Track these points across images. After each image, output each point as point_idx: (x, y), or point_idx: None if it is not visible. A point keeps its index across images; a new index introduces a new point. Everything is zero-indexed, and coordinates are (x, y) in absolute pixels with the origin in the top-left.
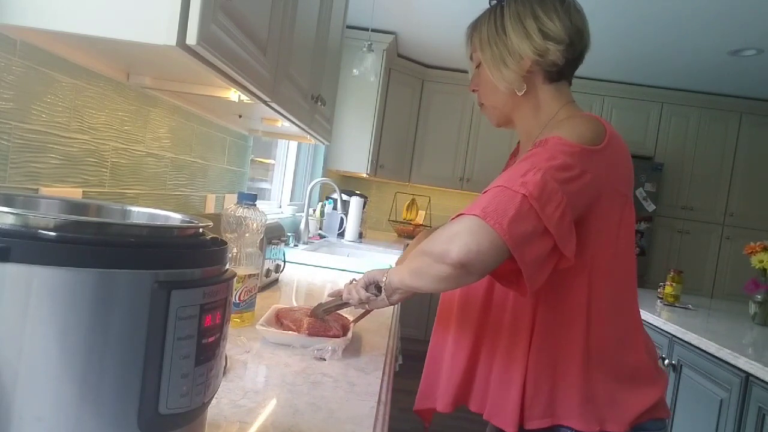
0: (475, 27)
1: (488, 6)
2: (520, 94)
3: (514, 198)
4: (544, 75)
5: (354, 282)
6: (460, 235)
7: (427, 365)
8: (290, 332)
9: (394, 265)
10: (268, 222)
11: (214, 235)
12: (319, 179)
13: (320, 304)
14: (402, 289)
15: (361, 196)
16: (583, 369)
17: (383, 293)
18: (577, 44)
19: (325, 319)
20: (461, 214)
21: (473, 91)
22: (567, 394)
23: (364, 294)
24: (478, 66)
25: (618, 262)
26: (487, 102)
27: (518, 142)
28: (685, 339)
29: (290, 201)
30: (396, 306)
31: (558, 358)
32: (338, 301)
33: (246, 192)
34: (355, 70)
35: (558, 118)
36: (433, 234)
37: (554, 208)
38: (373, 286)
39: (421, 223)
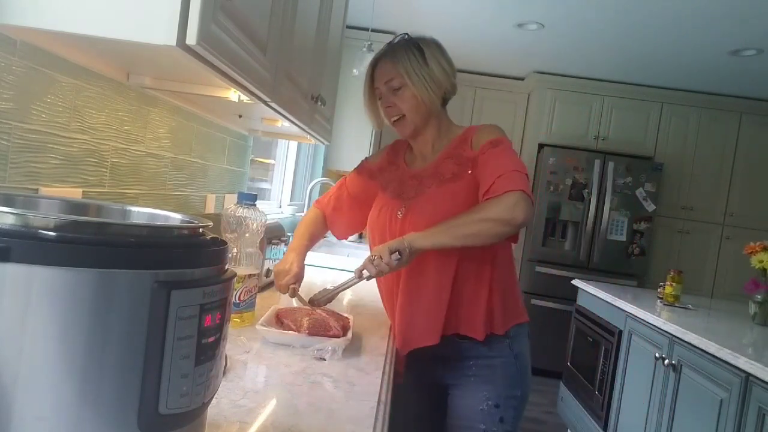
0: (394, 60)
1: (396, 42)
2: (435, 112)
3: (523, 177)
4: (443, 101)
5: (378, 257)
6: (520, 205)
7: (404, 313)
8: (290, 332)
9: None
10: (268, 222)
11: (214, 235)
12: (319, 179)
13: (323, 291)
14: (423, 251)
15: None
16: (517, 287)
17: (405, 256)
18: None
19: (325, 318)
20: (509, 191)
21: (387, 108)
22: (516, 305)
23: (394, 263)
24: (398, 89)
25: None
26: (409, 117)
27: (395, 143)
28: (685, 339)
29: (290, 201)
30: None
31: (508, 283)
32: (342, 287)
33: (246, 192)
34: (355, 70)
35: (453, 130)
36: (483, 205)
37: (525, 168)
38: (397, 253)
39: None
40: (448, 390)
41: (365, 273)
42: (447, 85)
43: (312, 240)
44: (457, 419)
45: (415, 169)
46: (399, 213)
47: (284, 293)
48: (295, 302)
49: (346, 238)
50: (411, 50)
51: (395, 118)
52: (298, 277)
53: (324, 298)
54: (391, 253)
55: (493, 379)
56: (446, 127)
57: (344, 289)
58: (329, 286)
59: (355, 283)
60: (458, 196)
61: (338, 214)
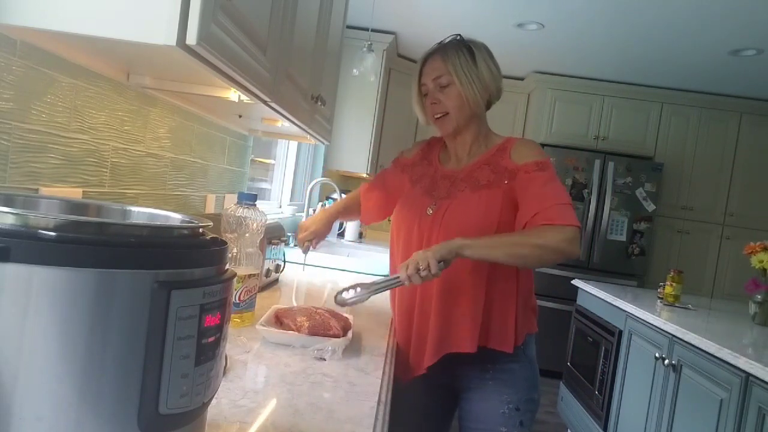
0: (444, 57)
1: (447, 41)
2: (478, 114)
3: (571, 209)
4: (486, 105)
5: (426, 269)
6: (575, 240)
7: (439, 324)
8: (290, 332)
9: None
10: (268, 222)
11: (214, 235)
12: (319, 179)
13: (353, 291)
14: (468, 259)
15: None
16: (533, 301)
17: (449, 264)
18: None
19: (325, 318)
20: (568, 225)
21: (433, 104)
22: (531, 316)
23: (439, 272)
24: (445, 87)
25: None
26: (453, 114)
27: (431, 140)
28: (685, 339)
29: (290, 201)
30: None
31: (528, 296)
32: (377, 289)
33: (246, 192)
34: (355, 70)
35: (492, 138)
36: (543, 232)
37: (570, 199)
38: (443, 262)
39: None
40: (462, 393)
41: (406, 283)
42: (493, 88)
43: (346, 210)
44: (475, 422)
45: (448, 169)
46: (429, 210)
47: (300, 247)
48: (303, 257)
49: (369, 223)
50: (461, 50)
51: (438, 115)
52: (316, 234)
53: (351, 300)
54: (439, 262)
55: (513, 382)
56: (485, 133)
57: (380, 292)
58: (358, 288)
59: (394, 287)
60: (491, 204)
61: (369, 195)
